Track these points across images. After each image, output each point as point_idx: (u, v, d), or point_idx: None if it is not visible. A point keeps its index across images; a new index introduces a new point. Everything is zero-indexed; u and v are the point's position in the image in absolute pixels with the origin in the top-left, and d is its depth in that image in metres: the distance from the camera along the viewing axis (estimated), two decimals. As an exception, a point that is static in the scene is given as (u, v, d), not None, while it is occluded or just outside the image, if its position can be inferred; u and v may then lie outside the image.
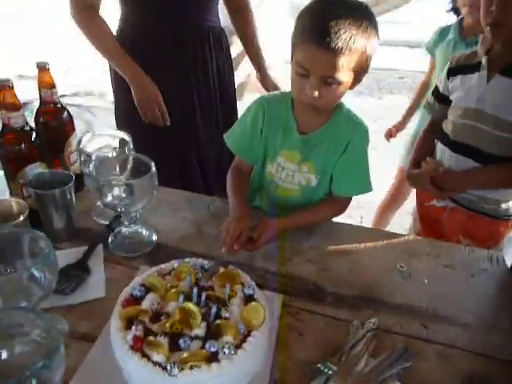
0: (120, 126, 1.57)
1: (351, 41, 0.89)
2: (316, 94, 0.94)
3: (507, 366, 0.79)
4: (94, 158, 1.05)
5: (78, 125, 1.19)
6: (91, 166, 1.05)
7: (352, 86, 0.99)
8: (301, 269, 0.99)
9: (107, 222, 1.08)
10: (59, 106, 1.11)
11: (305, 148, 1.08)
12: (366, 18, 0.92)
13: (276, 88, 1.68)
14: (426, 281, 0.97)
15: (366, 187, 1.11)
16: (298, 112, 1.07)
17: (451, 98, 1.30)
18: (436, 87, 1.37)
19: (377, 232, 1.14)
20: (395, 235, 1.12)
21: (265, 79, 1.68)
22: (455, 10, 1.81)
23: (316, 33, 0.89)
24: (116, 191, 0.95)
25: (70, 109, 1.18)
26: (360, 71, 0.96)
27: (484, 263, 1.04)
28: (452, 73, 1.29)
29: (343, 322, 0.86)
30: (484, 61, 1.19)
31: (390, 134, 2.12)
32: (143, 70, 1.39)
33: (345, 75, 0.93)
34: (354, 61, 0.92)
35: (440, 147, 1.33)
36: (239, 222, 0.97)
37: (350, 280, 0.96)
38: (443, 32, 1.81)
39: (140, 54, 1.40)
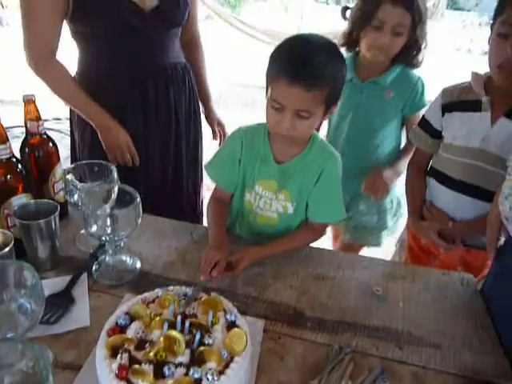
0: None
1: (321, 77, 0.96)
2: (290, 126, 1.00)
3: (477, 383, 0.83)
4: (79, 188, 1.08)
5: (60, 151, 1.21)
6: (76, 196, 1.08)
7: (324, 117, 1.05)
8: (281, 294, 1.02)
9: (91, 251, 1.09)
10: (45, 136, 1.14)
11: (281, 177, 1.13)
12: (334, 55, 1.00)
13: (220, 123, 1.71)
14: (401, 304, 1.01)
15: (339, 214, 1.16)
16: (273, 143, 1.13)
17: (444, 133, 1.29)
18: (425, 120, 1.34)
19: (355, 257, 1.18)
20: (372, 260, 1.16)
21: (210, 113, 1.70)
22: (348, 46, 1.49)
23: (288, 70, 0.95)
24: (101, 221, 0.97)
25: (52, 134, 1.20)
26: (331, 103, 1.02)
27: (456, 286, 1.09)
28: (447, 109, 1.27)
29: (322, 345, 0.89)
30: (485, 100, 1.18)
31: None
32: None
33: (317, 108, 0.99)
34: (325, 94, 0.98)
35: (435, 185, 1.32)
36: (217, 250, 1.01)
37: (328, 304, 1.00)
38: None
39: (99, 98, 1.37)
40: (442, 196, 1.31)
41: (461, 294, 1.06)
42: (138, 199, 0.98)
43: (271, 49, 1.04)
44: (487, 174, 1.19)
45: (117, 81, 1.40)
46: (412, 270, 1.12)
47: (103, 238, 1.00)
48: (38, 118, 1.11)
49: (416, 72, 1.47)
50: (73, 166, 1.14)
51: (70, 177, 1.09)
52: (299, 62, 0.95)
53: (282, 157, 1.13)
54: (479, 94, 1.20)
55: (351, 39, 1.43)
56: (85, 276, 1.03)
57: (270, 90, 1.01)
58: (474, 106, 1.21)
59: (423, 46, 1.41)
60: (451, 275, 1.12)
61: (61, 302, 0.94)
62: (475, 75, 1.23)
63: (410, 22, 1.31)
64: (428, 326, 0.96)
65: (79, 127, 1.50)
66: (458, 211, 1.28)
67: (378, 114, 1.47)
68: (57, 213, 1.02)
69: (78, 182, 1.08)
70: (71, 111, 1.52)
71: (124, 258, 1.07)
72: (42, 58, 1.33)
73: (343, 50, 1.47)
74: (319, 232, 1.18)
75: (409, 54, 1.40)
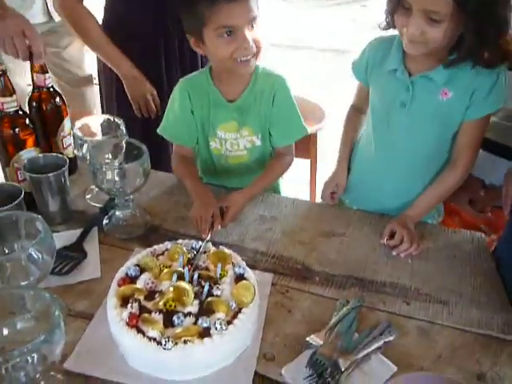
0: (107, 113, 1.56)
1: None
2: (250, 44, 0.99)
3: (483, 338, 0.84)
4: (87, 142, 1.07)
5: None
6: (85, 150, 1.07)
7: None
8: (290, 250, 1.02)
9: (101, 205, 1.10)
10: (52, 90, 1.12)
11: (238, 115, 1.13)
12: None
13: None
14: (410, 261, 1.01)
15: (301, 131, 1.18)
16: (219, 84, 1.12)
17: None
18: None
19: (364, 213, 1.17)
20: (382, 217, 1.15)
21: None
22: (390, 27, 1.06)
23: None
24: (109, 175, 0.97)
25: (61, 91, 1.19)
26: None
27: (466, 244, 1.08)
28: None
29: (330, 299, 0.90)
30: None
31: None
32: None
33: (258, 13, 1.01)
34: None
35: None
36: (208, 207, 1.02)
37: (337, 260, 1.00)
38: (381, 48, 1.12)
39: (125, 46, 1.37)
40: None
41: (471, 252, 1.05)
42: (146, 153, 0.97)
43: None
44: None
45: (141, 32, 1.38)
46: (421, 227, 1.11)
47: (112, 192, 1.00)
48: (45, 71, 1.09)
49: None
50: (81, 120, 1.13)
51: (77, 131, 1.08)
52: None
53: (231, 95, 1.13)
54: None
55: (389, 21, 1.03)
56: (95, 230, 1.04)
57: (211, 24, 0.99)
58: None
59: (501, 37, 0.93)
60: (462, 234, 1.11)
61: (72, 254, 0.96)
62: None
63: (450, 8, 0.87)
64: (436, 282, 0.96)
65: (106, 80, 1.51)
66: (491, 173, 1.22)
67: (430, 121, 1.08)
68: (66, 167, 1.02)
69: (85, 137, 1.07)
70: (99, 64, 1.51)
71: (134, 212, 1.07)
72: (67, 2, 1.34)
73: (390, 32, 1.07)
74: (289, 157, 1.20)
75: (465, 48, 0.95)
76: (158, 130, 1.19)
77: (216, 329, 0.71)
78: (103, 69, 1.48)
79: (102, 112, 1.60)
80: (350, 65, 1.21)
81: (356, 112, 1.27)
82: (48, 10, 1.75)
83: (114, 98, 1.49)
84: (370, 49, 1.14)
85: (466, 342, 0.83)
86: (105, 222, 1.06)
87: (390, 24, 1.02)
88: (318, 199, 1.30)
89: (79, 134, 1.09)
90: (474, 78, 1.00)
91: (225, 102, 1.12)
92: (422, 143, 1.11)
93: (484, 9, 0.88)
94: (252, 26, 1.00)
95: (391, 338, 0.81)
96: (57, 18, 1.72)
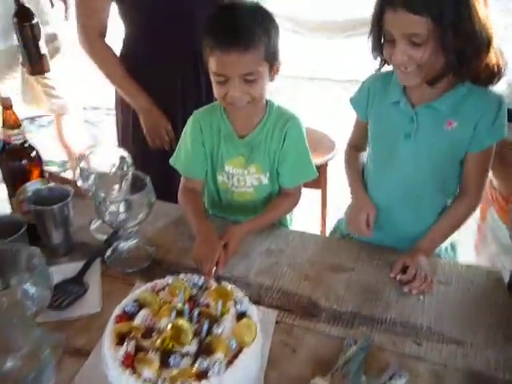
0: (123, 144, 1.57)
1: (252, 35, 0.96)
2: (241, 94, 0.99)
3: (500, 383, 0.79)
4: (94, 174, 1.07)
5: (86, 139, 1.21)
6: (91, 182, 1.07)
7: (271, 77, 1.05)
8: (296, 284, 0.99)
9: (105, 237, 1.09)
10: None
11: (247, 151, 1.12)
12: (258, 11, 1.00)
13: None
14: (422, 297, 0.97)
15: (310, 174, 1.16)
16: (232, 118, 1.12)
17: None
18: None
19: (374, 247, 1.13)
20: (392, 250, 1.12)
21: None
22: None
23: (219, 40, 0.96)
24: (114, 207, 0.96)
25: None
26: (272, 59, 1.02)
27: (481, 279, 1.03)
28: None
29: (337, 338, 0.86)
30: None
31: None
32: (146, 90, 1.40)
33: (260, 67, 0.99)
34: (263, 50, 0.98)
35: None
36: (212, 246, 1.00)
37: (344, 296, 0.96)
38: (380, 81, 1.13)
39: (141, 81, 1.40)
40: None
41: (485, 288, 1.01)
42: (150, 185, 0.96)
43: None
44: None
45: (158, 63, 1.40)
46: (432, 263, 1.07)
47: (115, 225, 0.99)
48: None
49: (495, 89, 1.02)
50: (87, 153, 1.13)
51: (83, 164, 1.09)
52: (228, 28, 0.97)
53: (243, 130, 1.12)
54: None
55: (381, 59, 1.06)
56: (98, 262, 1.03)
57: (210, 67, 1.01)
58: None
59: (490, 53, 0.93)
60: (474, 269, 1.07)
61: (73, 288, 0.94)
62: None
63: (427, 27, 0.89)
64: (449, 321, 0.91)
65: (123, 112, 1.53)
66: None
67: (436, 151, 1.05)
68: (69, 198, 1.02)
69: (91, 169, 1.07)
70: (116, 96, 1.54)
71: (137, 244, 1.05)
72: (89, 38, 1.39)
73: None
74: (295, 198, 1.18)
75: (446, 66, 0.94)
76: (170, 161, 1.19)
77: (214, 371, 0.68)
78: (120, 101, 1.51)
79: (118, 143, 1.61)
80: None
81: (354, 150, 1.26)
82: None
83: (131, 129, 1.50)
84: (370, 83, 1.15)
85: (482, 387, 0.78)
86: (108, 254, 1.04)
87: (383, 61, 1.05)
88: (329, 229, 1.28)
89: (85, 166, 1.09)
90: (477, 109, 1.00)
91: (235, 136, 1.12)
92: (429, 173, 1.09)
93: (460, 26, 0.89)
94: (248, 81, 0.98)
95: (402, 383, 0.76)
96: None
